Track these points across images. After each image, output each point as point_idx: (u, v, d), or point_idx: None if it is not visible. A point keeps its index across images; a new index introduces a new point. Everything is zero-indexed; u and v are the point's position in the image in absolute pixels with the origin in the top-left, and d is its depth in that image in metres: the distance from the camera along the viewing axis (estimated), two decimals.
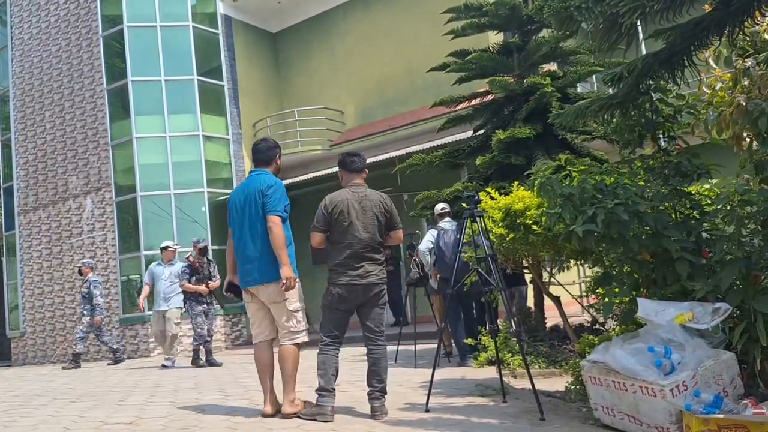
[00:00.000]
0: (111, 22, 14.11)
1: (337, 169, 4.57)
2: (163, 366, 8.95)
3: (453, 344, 7.36)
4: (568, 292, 6.12)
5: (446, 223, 7.10)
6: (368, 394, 4.23)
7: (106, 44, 14.16)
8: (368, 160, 11.67)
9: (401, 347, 7.73)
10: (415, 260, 7.68)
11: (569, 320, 6.37)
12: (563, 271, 6.31)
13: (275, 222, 4.15)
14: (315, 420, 4.04)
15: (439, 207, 7.37)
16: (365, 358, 4.29)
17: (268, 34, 15.92)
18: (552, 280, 6.13)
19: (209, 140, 13.93)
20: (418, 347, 7.27)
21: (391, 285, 12.69)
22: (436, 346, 4.97)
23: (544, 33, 8.63)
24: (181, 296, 9.05)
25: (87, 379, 7.72)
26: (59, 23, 15.23)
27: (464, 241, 4.95)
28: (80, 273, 10.79)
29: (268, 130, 14.70)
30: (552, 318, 7.39)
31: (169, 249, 9.53)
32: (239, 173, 14.16)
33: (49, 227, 14.94)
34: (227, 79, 14.46)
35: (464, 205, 4.78)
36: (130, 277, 13.43)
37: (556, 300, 6.10)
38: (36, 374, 9.55)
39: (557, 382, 5.18)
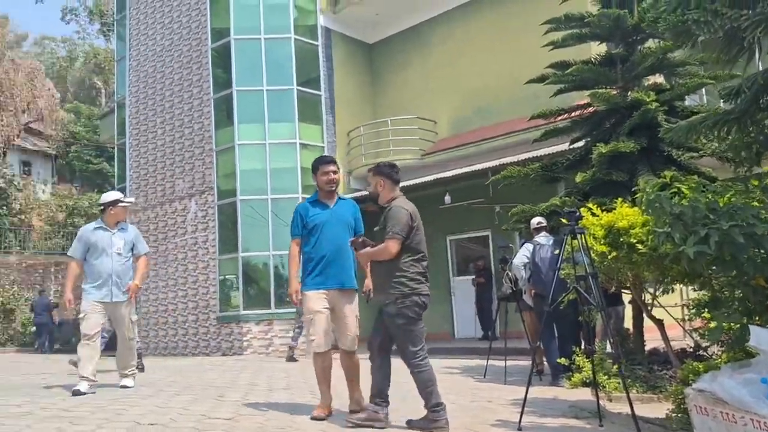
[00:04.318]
0: (219, 35, 14.88)
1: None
2: (124, 386, 6.08)
3: (545, 362, 7.19)
4: (671, 315, 5.85)
5: (542, 238, 6.97)
6: (383, 404, 4.26)
7: (214, 55, 14.96)
8: (460, 171, 11.73)
9: (489, 362, 7.63)
10: (507, 274, 7.56)
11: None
12: (667, 293, 6.03)
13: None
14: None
15: (536, 221, 7.24)
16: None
17: (364, 45, 16.26)
18: (654, 302, 5.89)
19: (305, 148, 14.34)
20: (507, 363, 7.14)
21: (482, 297, 12.67)
22: (525, 362, 4.90)
23: (650, 43, 8.29)
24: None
25: (184, 374, 8.13)
26: (172, 36, 16.22)
27: (563, 257, 4.85)
28: None
29: (361, 139, 15.00)
30: (651, 341, 7.06)
31: (122, 204, 6.13)
32: None
33: (157, 226, 15.89)
34: (324, 89, 14.88)
35: (564, 220, 4.68)
36: (227, 276, 14.07)
37: (659, 323, 5.85)
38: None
39: (656, 409, 4.95)
